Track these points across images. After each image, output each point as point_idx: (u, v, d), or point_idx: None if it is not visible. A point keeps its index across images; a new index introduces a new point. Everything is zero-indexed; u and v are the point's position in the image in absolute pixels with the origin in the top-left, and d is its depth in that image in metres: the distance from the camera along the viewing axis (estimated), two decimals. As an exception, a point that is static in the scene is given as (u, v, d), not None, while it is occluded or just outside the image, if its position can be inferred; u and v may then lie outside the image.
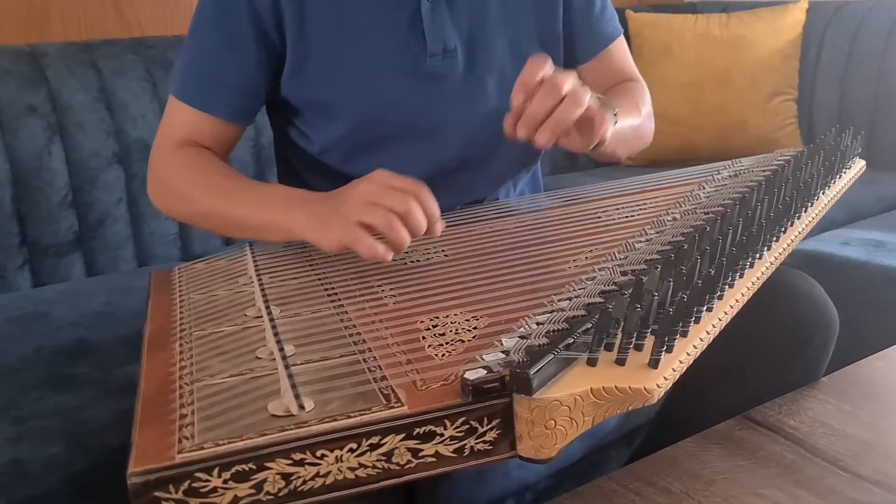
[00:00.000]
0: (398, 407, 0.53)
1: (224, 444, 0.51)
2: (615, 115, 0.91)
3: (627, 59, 1.16)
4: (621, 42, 1.14)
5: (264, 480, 0.51)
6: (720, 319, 0.65)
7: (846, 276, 1.55)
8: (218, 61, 0.95)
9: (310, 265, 0.86)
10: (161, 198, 1.00)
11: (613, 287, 0.70)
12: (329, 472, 0.52)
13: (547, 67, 0.81)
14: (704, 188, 1.00)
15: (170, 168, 0.97)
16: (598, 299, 0.67)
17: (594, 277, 0.73)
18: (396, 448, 0.53)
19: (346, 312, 0.72)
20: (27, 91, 1.49)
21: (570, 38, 1.11)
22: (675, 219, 0.89)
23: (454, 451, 0.54)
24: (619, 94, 1.10)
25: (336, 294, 0.76)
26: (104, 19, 1.76)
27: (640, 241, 0.82)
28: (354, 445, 0.52)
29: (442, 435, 0.53)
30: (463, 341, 0.64)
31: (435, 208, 0.79)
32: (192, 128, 0.98)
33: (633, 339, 0.58)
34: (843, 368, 0.92)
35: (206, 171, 0.95)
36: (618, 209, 0.96)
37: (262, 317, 0.72)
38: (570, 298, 0.68)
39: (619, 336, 0.58)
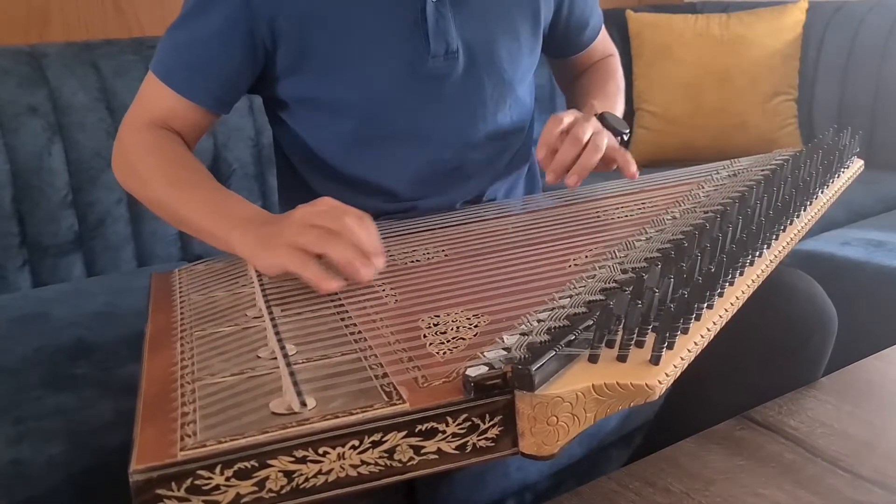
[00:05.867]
0: (400, 404, 0.53)
1: (226, 442, 0.51)
2: (626, 133, 1.05)
3: (607, 38, 1.25)
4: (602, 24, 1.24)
5: (266, 478, 0.51)
6: (721, 317, 0.66)
7: (846, 276, 1.55)
8: (205, 48, 0.95)
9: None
10: (121, 173, 1.00)
11: (614, 284, 0.70)
12: (331, 470, 0.52)
13: (566, 121, 0.95)
14: (703, 188, 1.00)
15: (136, 147, 0.97)
16: (599, 296, 0.67)
17: (595, 275, 0.73)
18: (398, 445, 0.53)
19: (347, 312, 0.72)
20: (27, 91, 1.49)
21: (566, 33, 1.13)
22: (674, 217, 0.89)
23: (456, 448, 0.54)
24: (601, 79, 1.19)
25: (337, 294, 0.76)
26: (104, 19, 1.76)
27: (640, 240, 0.82)
28: (357, 442, 0.52)
29: (444, 432, 0.53)
30: (464, 339, 0.64)
31: (377, 236, 0.78)
32: (168, 110, 0.97)
33: (635, 336, 0.58)
34: (842, 368, 0.92)
35: (169, 159, 0.95)
36: (617, 209, 0.96)
37: (262, 317, 0.72)
38: (570, 296, 0.68)
39: (621, 333, 0.58)
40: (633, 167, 0.99)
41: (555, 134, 0.95)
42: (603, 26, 1.22)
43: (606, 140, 0.96)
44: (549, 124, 0.96)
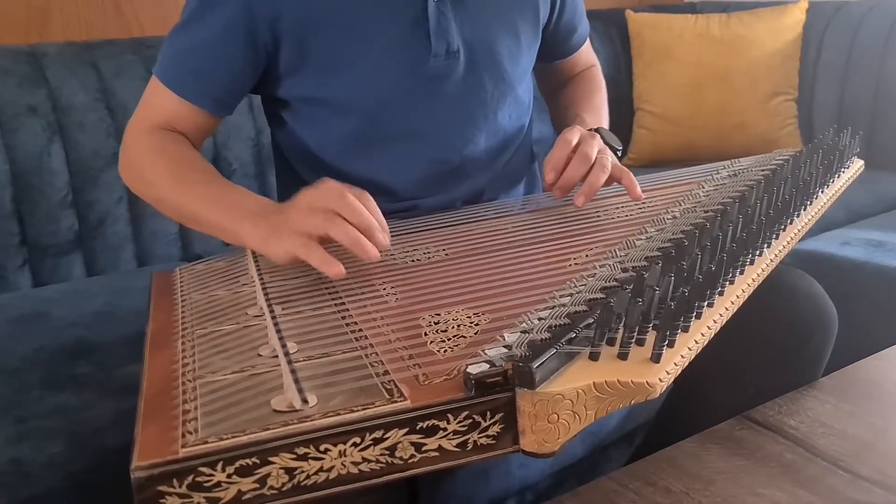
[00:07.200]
0: (401, 401, 0.53)
1: (227, 439, 0.51)
2: (619, 149, 1.05)
3: (590, 49, 1.26)
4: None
5: (268, 475, 0.51)
6: (721, 315, 0.66)
7: (846, 276, 1.55)
8: (207, 53, 0.95)
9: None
10: (129, 176, 1.01)
11: (615, 283, 0.70)
12: (333, 467, 0.52)
13: (574, 141, 0.94)
14: (704, 187, 1.00)
15: (141, 150, 0.98)
16: (600, 295, 0.67)
17: (595, 274, 0.73)
18: (400, 442, 0.53)
19: (348, 310, 0.72)
20: (27, 91, 1.49)
21: (555, 37, 1.14)
22: (674, 217, 0.89)
23: (457, 446, 0.54)
24: (587, 91, 1.20)
25: (337, 292, 0.76)
26: (104, 19, 1.76)
27: (641, 239, 0.82)
28: (358, 440, 0.52)
29: (445, 429, 0.53)
30: (465, 337, 0.64)
31: (379, 214, 0.79)
32: (171, 113, 0.98)
33: (635, 334, 0.58)
34: (842, 368, 0.92)
35: (175, 159, 0.95)
36: (617, 208, 0.96)
37: (263, 315, 0.72)
38: (571, 294, 0.69)
39: (621, 331, 0.58)
40: (639, 189, 0.96)
41: (564, 156, 0.94)
42: (588, 38, 1.23)
43: (611, 158, 0.96)
44: (558, 146, 0.95)
